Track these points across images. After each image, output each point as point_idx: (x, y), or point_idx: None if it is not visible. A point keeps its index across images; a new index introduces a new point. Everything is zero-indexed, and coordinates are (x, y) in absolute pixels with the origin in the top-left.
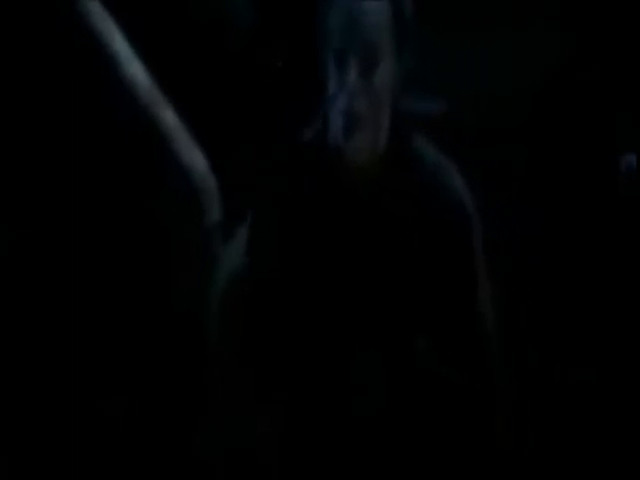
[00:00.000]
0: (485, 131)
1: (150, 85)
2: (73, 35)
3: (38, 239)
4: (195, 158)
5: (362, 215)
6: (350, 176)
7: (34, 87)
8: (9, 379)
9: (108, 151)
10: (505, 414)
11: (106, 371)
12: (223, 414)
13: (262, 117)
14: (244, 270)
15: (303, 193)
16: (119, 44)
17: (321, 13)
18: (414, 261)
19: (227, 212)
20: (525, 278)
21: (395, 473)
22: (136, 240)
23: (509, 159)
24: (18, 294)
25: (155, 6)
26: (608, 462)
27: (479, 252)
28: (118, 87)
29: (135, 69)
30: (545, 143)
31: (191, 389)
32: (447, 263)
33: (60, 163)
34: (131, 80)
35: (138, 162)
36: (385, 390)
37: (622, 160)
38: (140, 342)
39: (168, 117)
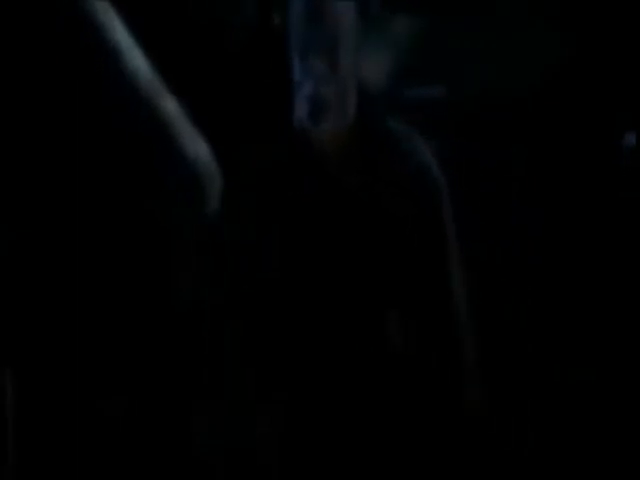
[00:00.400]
0: (485, 127)
1: (151, 75)
2: (73, 25)
3: (37, 238)
4: (198, 147)
5: (330, 188)
6: (316, 153)
7: (32, 78)
8: (8, 378)
9: (109, 142)
10: (473, 391)
11: (105, 371)
12: (223, 414)
13: (262, 109)
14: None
15: (275, 169)
16: (120, 34)
17: (284, 3)
18: (383, 233)
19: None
20: (525, 278)
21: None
22: (136, 234)
23: (510, 157)
24: (17, 294)
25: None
26: (608, 462)
27: (449, 222)
28: (119, 77)
29: (136, 59)
30: (546, 141)
31: (191, 389)
32: (417, 232)
33: (59, 157)
34: (132, 70)
35: (140, 152)
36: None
37: (623, 139)
38: (140, 341)
39: (170, 107)
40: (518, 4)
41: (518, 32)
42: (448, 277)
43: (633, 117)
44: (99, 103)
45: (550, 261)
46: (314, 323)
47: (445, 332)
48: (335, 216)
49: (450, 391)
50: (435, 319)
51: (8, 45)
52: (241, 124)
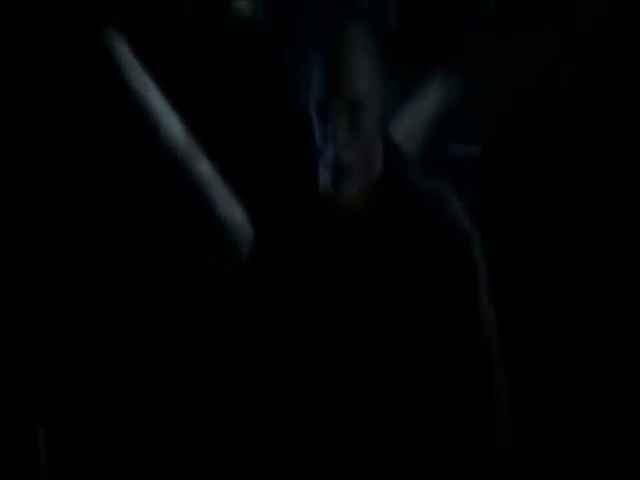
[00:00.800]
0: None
1: (186, 138)
2: (110, 90)
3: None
4: (232, 209)
5: (355, 247)
6: (342, 211)
7: (70, 139)
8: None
9: (145, 204)
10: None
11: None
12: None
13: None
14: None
15: (301, 225)
16: (154, 97)
17: (301, 68)
18: (409, 283)
19: None
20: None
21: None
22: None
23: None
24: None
25: (190, 56)
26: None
27: (479, 284)
28: (155, 142)
29: (171, 123)
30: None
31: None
32: (444, 296)
33: (104, 221)
34: (168, 134)
35: (175, 214)
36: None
37: None
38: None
39: (205, 169)
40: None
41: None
42: (477, 315)
43: None
44: (136, 168)
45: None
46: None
47: (477, 362)
48: (362, 267)
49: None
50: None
51: (44, 106)
52: (271, 184)
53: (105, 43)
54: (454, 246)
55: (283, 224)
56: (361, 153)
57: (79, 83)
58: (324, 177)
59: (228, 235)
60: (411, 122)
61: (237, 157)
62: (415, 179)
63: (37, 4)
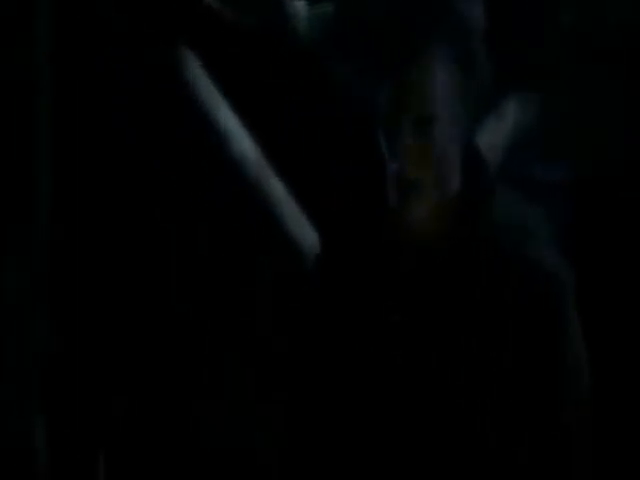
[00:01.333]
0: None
1: (257, 155)
2: (181, 108)
3: None
4: (304, 229)
5: (420, 278)
6: (410, 234)
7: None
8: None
9: (218, 225)
10: None
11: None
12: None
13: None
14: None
15: (368, 248)
16: (225, 115)
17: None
18: (486, 315)
19: None
20: None
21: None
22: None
23: None
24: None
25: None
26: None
27: (566, 338)
28: (225, 158)
29: (241, 139)
30: None
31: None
32: (529, 357)
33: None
34: (238, 150)
35: (248, 236)
36: None
37: None
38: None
39: (276, 187)
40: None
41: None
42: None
43: None
44: (208, 188)
45: None
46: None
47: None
48: (434, 295)
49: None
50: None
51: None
52: (340, 203)
53: (176, 59)
54: (538, 294)
55: (350, 245)
56: (430, 168)
57: (151, 99)
58: (390, 191)
59: (297, 255)
60: (490, 139)
61: (307, 175)
62: (499, 202)
63: (112, 21)
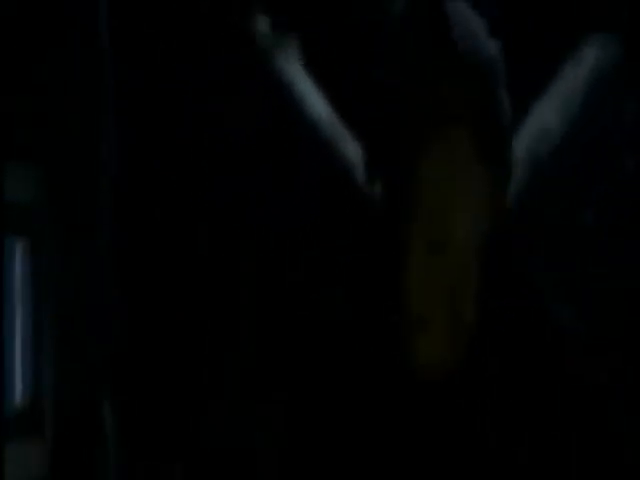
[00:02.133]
0: None
1: (332, 119)
2: (256, 73)
3: None
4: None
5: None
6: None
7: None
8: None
9: (290, 184)
10: None
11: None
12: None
13: None
14: None
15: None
16: (302, 79)
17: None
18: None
19: None
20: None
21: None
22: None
23: None
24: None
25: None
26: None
27: None
28: (301, 123)
29: (317, 104)
30: None
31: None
32: None
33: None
34: (313, 115)
35: (319, 198)
36: None
37: None
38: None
39: (351, 151)
40: None
41: None
42: None
43: None
44: (283, 152)
45: None
46: None
47: None
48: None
49: None
50: None
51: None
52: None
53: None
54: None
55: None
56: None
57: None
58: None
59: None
60: (565, 94)
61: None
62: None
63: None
